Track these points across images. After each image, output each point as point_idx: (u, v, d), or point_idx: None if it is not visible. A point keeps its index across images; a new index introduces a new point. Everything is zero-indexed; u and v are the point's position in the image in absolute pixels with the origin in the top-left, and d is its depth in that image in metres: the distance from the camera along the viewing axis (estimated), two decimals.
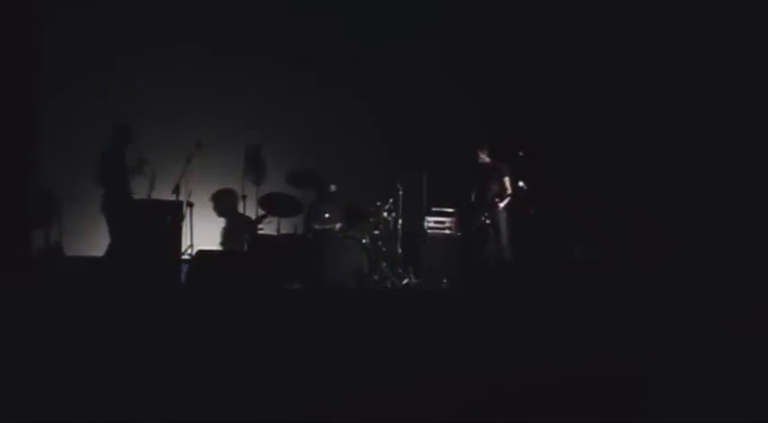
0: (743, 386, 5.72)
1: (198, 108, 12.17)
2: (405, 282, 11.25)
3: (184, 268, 10.30)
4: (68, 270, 10.40)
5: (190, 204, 10.77)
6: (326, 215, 11.32)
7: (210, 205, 12.02)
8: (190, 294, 9.67)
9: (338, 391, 5.52)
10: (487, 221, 11.23)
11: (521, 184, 11.05)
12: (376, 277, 11.06)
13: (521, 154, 11.08)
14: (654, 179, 11.39)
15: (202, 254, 10.53)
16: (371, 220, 11.42)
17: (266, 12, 12.56)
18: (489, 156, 11.31)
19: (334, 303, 9.15)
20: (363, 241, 11.12)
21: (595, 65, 11.97)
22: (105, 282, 9.54)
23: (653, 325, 7.68)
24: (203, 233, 11.48)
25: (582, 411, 5.22)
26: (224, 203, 12.15)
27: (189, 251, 10.75)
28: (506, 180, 11.13)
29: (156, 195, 10.52)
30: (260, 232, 11.28)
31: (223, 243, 12.06)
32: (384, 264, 11.24)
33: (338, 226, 11.41)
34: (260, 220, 11.27)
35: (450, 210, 11.76)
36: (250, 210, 11.37)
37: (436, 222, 11.74)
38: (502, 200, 11.10)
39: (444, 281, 11.24)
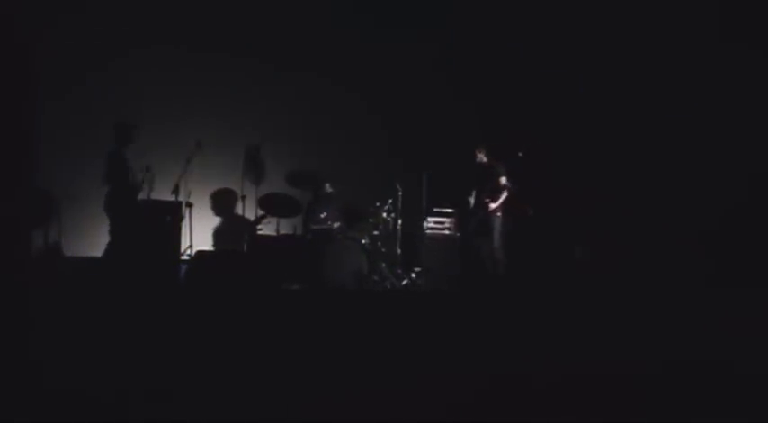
0: (743, 386, 5.70)
1: (197, 108, 12.18)
2: (404, 282, 11.25)
3: (183, 268, 10.29)
4: (67, 270, 10.38)
5: (189, 205, 10.77)
6: (322, 215, 11.29)
7: (210, 205, 12.00)
8: (188, 295, 9.65)
9: (337, 392, 5.49)
10: (485, 222, 11.18)
11: (503, 180, 10.99)
12: (375, 278, 11.05)
13: (520, 155, 11.06)
14: (655, 179, 11.37)
15: (201, 254, 10.53)
16: (371, 220, 11.42)
17: (266, 12, 12.56)
18: (487, 156, 11.25)
19: (333, 304, 9.17)
20: (363, 242, 11.12)
21: (599, 65, 11.95)
22: (104, 282, 9.51)
23: (653, 325, 7.67)
24: (202, 234, 11.50)
25: (582, 411, 5.20)
26: (223, 204, 12.16)
27: (188, 251, 10.74)
28: (502, 180, 11.04)
29: (155, 195, 10.50)
30: (259, 233, 11.26)
31: (222, 243, 12.04)
32: (383, 264, 11.24)
33: (335, 226, 11.38)
34: (259, 220, 11.25)
35: (450, 210, 11.76)
36: (249, 210, 11.34)
37: (436, 223, 11.75)
38: (494, 200, 11.02)
39: (444, 281, 11.23)
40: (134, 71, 12.01)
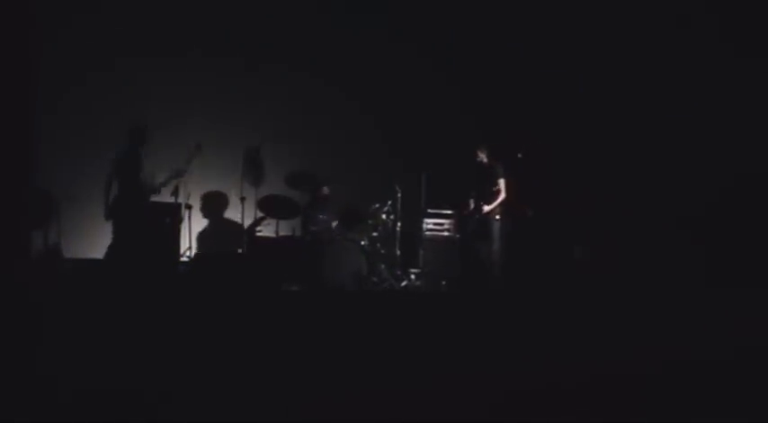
0: (743, 386, 5.70)
1: (197, 110, 12.18)
2: (403, 284, 11.25)
3: (183, 270, 10.26)
4: (67, 271, 10.37)
5: (188, 206, 10.75)
6: (321, 217, 11.29)
7: (209, 207, 11.99)
8: (188, 296, 9.60)
9: (336, 392, 5.51)
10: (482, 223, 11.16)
11: (501, 182, 10.96)
12: (374, 279, 11.05)
13: (519, 155, 11.06)
14: (654, 179, 11.37)
15: (200, 256, 10.51)
16: (370, 221, 11.42)
17: (265, 13, 12.56)
18: (488, 156, 11.21)
19: (332, 305, 9.18)
20: (362, 243, 11.11)
21: (599, 64, 11.96)
22: (104, 283, 9.51)
23: (652, 325, 7.69)
24: (202, 235, 11.49)
25: (581, 411, 5.20)
26: (222, 205, 12.13)
27: (188, 253, 10.73)
28: (501, 182, 11.02)
29: (154, 197, 10.49)
30: (258, 234, 11.24)
31: (221, 245, 12.03)
32: (383, 266, 11.25)
33: (334, 227, 11.39)
34: (258, 221, 11.23)
35: (449, 211, 11.74)
36: (249, 212, 11.32)
37: (435, 224, 11.73)
38: (489, 203, 11.00)
39: (443, 282, 11.22)
40: (134, 72, 12.00)
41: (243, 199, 11.19)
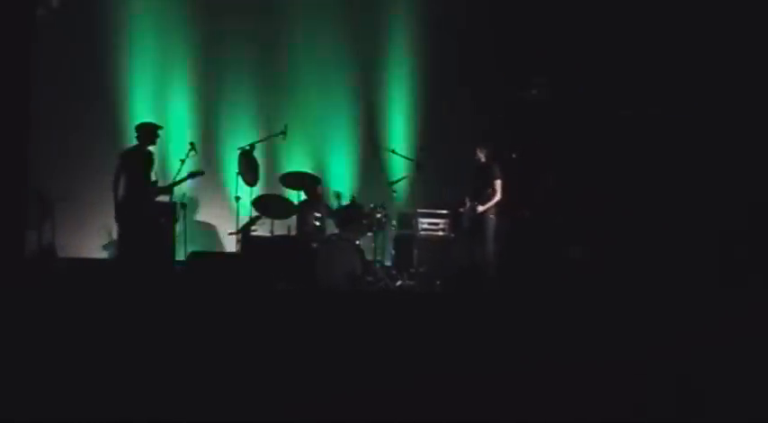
0: (743, 386, 5.72)
1: (191, 109, 12.19)
2: (398, 283, 11.24)
3: (178, 270, 10.29)
4: (61, 271, 10.36)
5: (183, 206, 10.73)
6: (317, 215, 11.28)
7: (204, 207, 11.98)
8: (183, 296, 9.54)
9: (331, 392, 5.54)
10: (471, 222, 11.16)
11: (497, 184, 10.92)
12: (369, 279, 11.02)
13: (514, 156, 11.05)
14: (652, 179, 11.35)
15: (195, 255, 10.51)
16: (365, 221, 11.37)
17: (261, 10, 12.61)
18: (486, 156, 11.16)
19: (327, 305, 9.09)
20: (357, 243, 11.08)
21: (596, 64, 11.94)
22: (99, 282, 9.50)
23: (650, 325, 7.59)
24: (196, 234, 11.49)
25: (579, 411, 5.25)
26: (218, 205, 12.13)
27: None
28: (497, 183, 10.95)
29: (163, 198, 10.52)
30: (253, 234, 11.21)
31: (216, 245, 12.02)
32: (377, 265, 11.24)
33: (328, 227, 11.40)
34: (253, 221, 11.20)
35: (444, 211, 11.74)
36: (243, 211, 11.30)
37: (430, 224, 11.71)
38: (483, 204, 10.96)
39: (438, 282, 11.22)
40: (128, 72, 12.02)
41: (238, 198, 11.17)
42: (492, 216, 10.90)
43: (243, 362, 6.15)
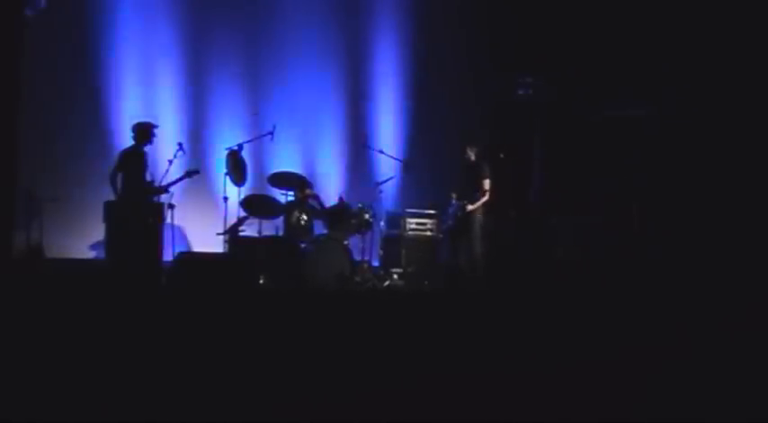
0: (743, 386, 5.70)
1: (178, 109, 12.18)
2: (386, 283, 11.26)
3: (165, 271, 10.26)
4: (49, 272, 10.32)
5: (171, 206, 10.71)
6: (303, 217, 11.26)
7: (191, 207, 11.97)
8: (170, 297, 9.57)
9: (321, 393, 5.51)
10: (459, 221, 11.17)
11: (486, 183, 10.89)
12: (357, 279, 11.02)
13: (501, 156, 11.07)
14: (645, 178, 11.40)
15: (183, 256, 10.50)
16: (353, 221, 11.36)
17: (248, 9, 12.64)
18: (476, 155, 11.15)
19: (315, 305, 9.04)
20: (345, 243, 11.09)
21: (589, 63, 12.00)
22: (86, 283, 9.48)
23: (639, 325, 7.61)
24: (184, 235, 11.46)
25: (572, 411, 5.24)
26: (205, 205, 12.10)
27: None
28: (485, 182, 10.96)
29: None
30: (241, 234, 11.20)
31: (204, 245, 12.00)
32: (365, 265, 11.24)
33: (316, 227, 11.40)
34: (241, 222, 11.19)
35: (432, 211, 11.75)
36: (231, 211, 11.30)
37: (418, 224, 11.72)
38: (472, 202, 10.96)
39: (426, 282, 11.23)
40: (116, 72, 12.02)
41: (226, 199, 11.16)
42: (479, 215, 10.91)
43: (230, 363, 6.11)
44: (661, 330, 7.31)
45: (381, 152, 12.11)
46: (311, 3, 12.82)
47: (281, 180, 11.46)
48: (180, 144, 10.77)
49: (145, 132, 10.35)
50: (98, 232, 10.62)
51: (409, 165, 11.82)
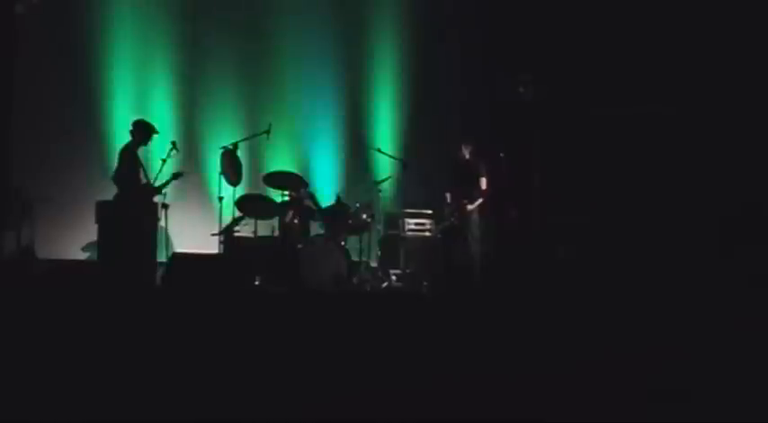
0: (743, 386, 5.72)
1: (172, 108, 12.14)
2: (384, 285, 11.19)
3: (160, 271, 10.20)
4: (40, 272, 10.25)
5: (165, 206, 10.59)
6: (295, 219, 11.17)
7: (186, 207, 11.86)
8: (165, 298, 9.54)
9: (318, 393, 5.54)
10: (456, 223, 11.05)
11: (483, 182, 10.86)
12: (355, 280, 10.95)
13: (502, 155, 10.97)
14: (641, 178, 11.37)
15: (178, 256, 10.41)
16: (350, 221, 11.28)
17: (243, 9, 12.60)
18: (471, 153, 11.08)
19: (312, 307, 9.03)
20: (342, 243, 11.01)
21: (585, 62, 11.95)
22: (80, 283, 9.40)
23: (638, 325, 7.58)
24: (179, 235, 11.38)
25: (571, 411, 5.26)
26: (200, 205, 12.04)
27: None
28: (483, 181, 10.90)
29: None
30: (236, 234, 11.11)
31: (199, 245, 11.87)
32: (363, 266, 11.17)
33: (314, 228, 11.31)
34: (236, 222, 11.10)
35: (431, 211, 11.69)
36: (227, 211, 11.17)
37: (416, 224, 11.66)
38: (472, 202, 10.86)
39: (425, 284, 11.13)
40: (109, 71, 12.04)
41: (221, 198, 11.05)
42: (475, 216, 10.85)
43: (225, 365, 6.11)
44: (661, 330, 7.32)
45: (379, 151, 12.02)
46: (310, 3, 12.78)
47: (277, 180, 11.36)
48: (173, 143, 10.66)
49: (146, 133, 10.28)
50: (91, 233, 10.52)
51: (408, 164, 11.70)
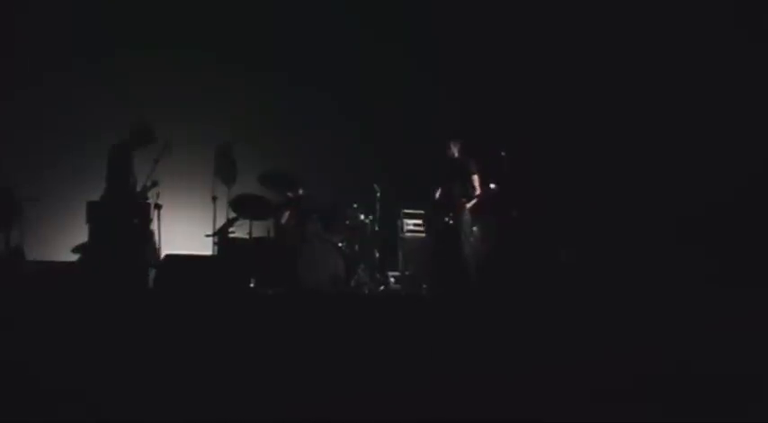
0: (743, 386, 5.71)
1: (165, 107, 12.06)
2: (382, 287, 11.17)
3: (152, 272, 10.11)
4: (30, 274, 10.12)
5: (158, 206, 10.48)
6: (291, 220, 11.07)
7: (179, 207, 11.75)
8: (158, 299, 9.48)
9: (316, 395, 5.54)
10: (451, 222, 10.92)
11: (475, 179, 10.78)
12: (352, 282, 10.97)
13: (503, 154, 10.85)
14: (642, 179, 11.41)
15: (171, 258, 10.31)
16: (348, 222, 11.31)
17: (239, 11, 12.63)
18: (460, 151, 10.98)
19: (309, 309, 9.04)
20: (339, 245, 11.00)
21: (583, 62, 11.99)
22: (71, 285, 9.36)
23: (639, 327, 7.62)
24: (172, 236, 11.24)
25: (580, 411, 5.24)
26: (193, 205, 11.91)
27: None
28: (475, 179, 10.81)
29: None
30: (231, 235, 11.06)
31: (192, 246, 11.77)
32: (361, 268, 11.17)
33: (310, 229, 11.25)
34: (231, 222, 11.04)
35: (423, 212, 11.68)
36: (221, 212, 11.10)
37: (414, 225, 11.69)
38: (469, 201, 10.77)
39: (423, 285, 11.11)
40: (97, 70, 12.08)
41: (215, 198, 11.00)
42: (466, 216, 10.77)
43: (219, 367, 6.12)
44: (660, 330, 7.38)
45: (378, 150, 11.90)
46: (305, 3, 12.85)
47: (273, 180, 11.21)
48: (166, 142, 10.51)
49: (145, 138, 10.15)
50: (81, 233, 10.40)
51: (406, 164, 11.59)
